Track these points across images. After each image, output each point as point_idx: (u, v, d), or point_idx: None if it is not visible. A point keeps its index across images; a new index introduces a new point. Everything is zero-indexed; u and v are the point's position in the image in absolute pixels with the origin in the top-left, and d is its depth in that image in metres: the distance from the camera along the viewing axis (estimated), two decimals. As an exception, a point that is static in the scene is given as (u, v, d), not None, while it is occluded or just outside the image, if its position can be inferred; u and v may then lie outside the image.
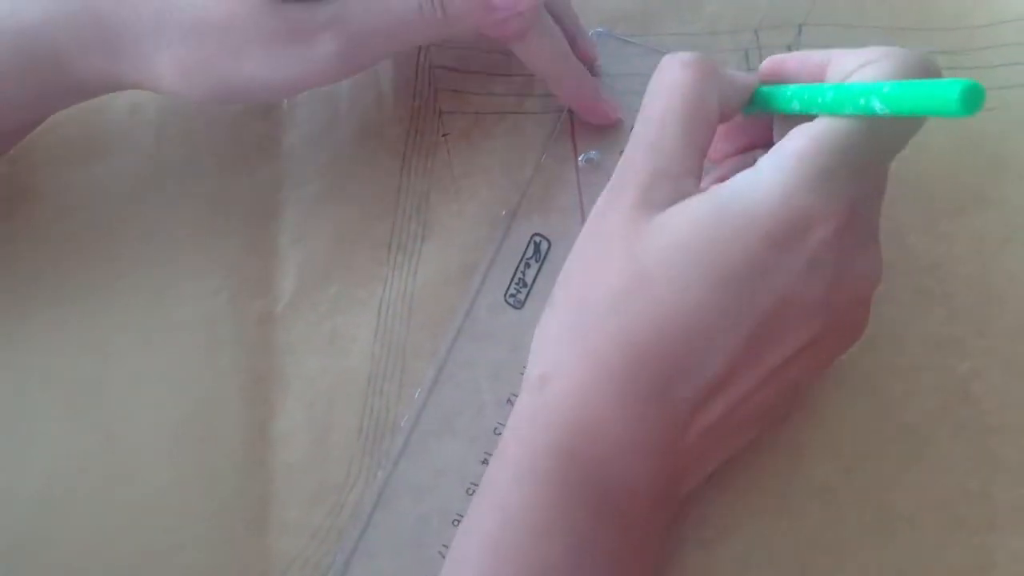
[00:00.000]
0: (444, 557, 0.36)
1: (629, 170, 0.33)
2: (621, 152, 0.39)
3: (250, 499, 0.38)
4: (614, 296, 0.32)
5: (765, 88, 0.35)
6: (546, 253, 0.39)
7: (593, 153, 0.40)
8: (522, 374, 0.37)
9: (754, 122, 0.36)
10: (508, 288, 0.39)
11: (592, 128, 0.41)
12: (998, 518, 0.35)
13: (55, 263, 0.41)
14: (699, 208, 0.31)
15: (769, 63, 0.35)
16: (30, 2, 0.36)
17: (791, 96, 0.32)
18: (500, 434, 0.37)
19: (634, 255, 0.32)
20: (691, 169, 0.33)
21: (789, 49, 0.42)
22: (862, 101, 0.29)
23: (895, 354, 0.38)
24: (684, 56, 0.34)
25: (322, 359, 0.39)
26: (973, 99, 0.25)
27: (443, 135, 0.42)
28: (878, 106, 0.28)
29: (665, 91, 0.33)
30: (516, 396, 0.37)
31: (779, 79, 0.35)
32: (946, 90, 0.26)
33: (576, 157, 0.41)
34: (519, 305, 0.39)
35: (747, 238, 0.30)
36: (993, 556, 0.35)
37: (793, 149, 0.30)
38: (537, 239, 0.39)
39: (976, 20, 0.42)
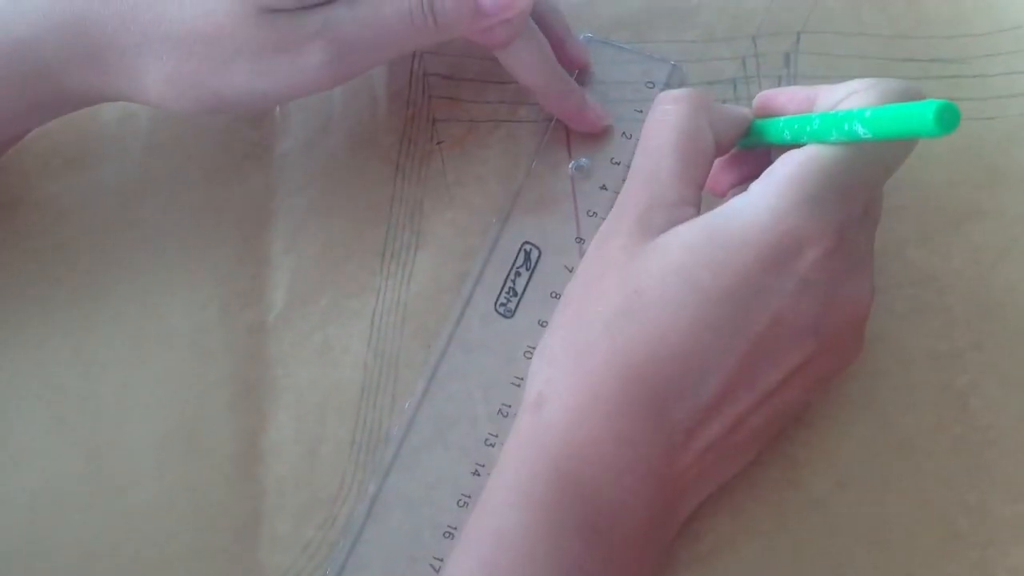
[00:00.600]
0: (435, 570, 0.35)
1: (628, 200, 0.34)
2: (612, 160, 0.40)
3: (240, 512, 0.37)
4: (609, 317, 0.32)
5: (758, 121, 0.36)
6: (536, 262, 0.39)
7: (584, 160, 0.40)
8: (514, 384, 0.37)
9: (755, 154, 0.37)
10: (498, 297, 0.39)
11: (584, 135, 0.40)
12: (996, 532, 0.35)
13: (45, 271, 0.41)
14: (692, 231, 0.32)
15: (761, 97, 0.37)
16: (20, 16, 0.36)
17: (782, 127, 0.34)
18: (492, 445, 0.37)
19: (629, 277, 0.32)
20: (687, 198, 0.34)
21: (787, 57, 0.42)
22: (846, 126, 0.30)
23: (892, 367, 0.37)
24: (677, 92, 0.36)
25: (314, 370, 0.39)
26: (948, 118, 0.26)
27: (437, 143, 0.42)
28: (860, 130, 0.29)
29: (660, 125, 0.35)
30: (508, 406, 0.37)
31: (771, 112, 0.36)
32: (922, 111, 0.27)
33: (568, 164, 0.40)
34: (509, 314, 0.38)
35: (738, 259, 0.31)
36: (992, 570, 0.35)
37: (781, 173, 0.31)
38: (527, 247, 0.39)
39: (975, 28, 0.41)
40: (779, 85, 0.41)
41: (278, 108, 0.43)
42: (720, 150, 0.35)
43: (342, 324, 0.39)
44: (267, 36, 0.34)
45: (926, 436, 0.36)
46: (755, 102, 0.37)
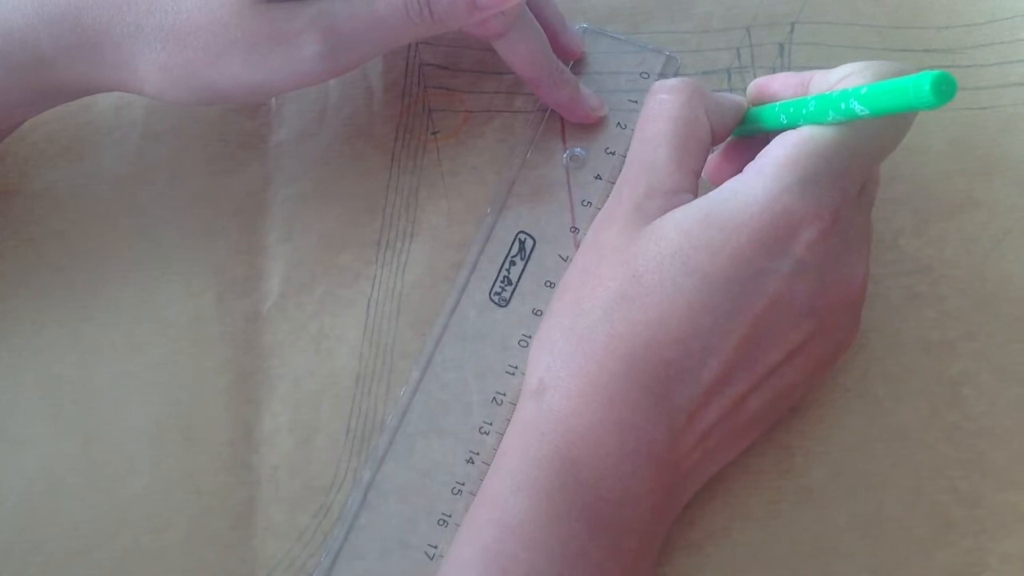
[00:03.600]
0: (430, 557, 0.35)
1: (625, 187, 0.35)
2: (606, 149, 0.40)
3: (235, 501, 0.37)
4: (607, 303, 0.32)
5: (753, 108, 0.36)
6: (531, 251, 0.39)
7: (578, 150, 0.40)
8: (508, 373, 0.37)
9: (753, 142, 0.37)
10: (493, 286, 0.39)
11: (579, 125, 0.40)
12: (989, 520, 0.35)
13: (41, 260, 0.41)
14: (688, 214, 0.32)
15: (754, 85, 0.37)
16: (14, 7, 0.36)
17: (778, 112, 0.34)
18: (486, 433, 0.37)
19: (626, 262, 0.32)
20: (684, 186, 0.34)
21: (781, 47, 0.42)
22: (842, 105, 0.30)
23: (886, 356, 0.37)
24: (672, 81, 0.36)
25: (309, 359, 0.39)
26: (945, 88, 0.26)
27: (432, 133, 0.42)
28: (857, 108, 0.29)
29: (655, 114, 0.35)
30: (502, 395, 0.37)
31: (765, 99, 0.36)
32: (918, 82, 0.27)
33: (563, 154, 0.40)
34: (504, 303, 0.38)
35: (734, 241, 0.31)
36: (984, 558, 0.35)
37: (775, 155, 0.31)
38: (522, 236, 0.39)
39: (971, 18, 0.41)
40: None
41: (274, 98, 0.43)
42: (716, 138, 0.36)
43: (337, 313, 0.39)
44: (261, 27, 0.34)
45: (919, 425, 0.36)
46: (749, 90, 0.37)
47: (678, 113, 0.34)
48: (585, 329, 0.33)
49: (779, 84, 0.36)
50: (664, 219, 0.33)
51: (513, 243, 0.39)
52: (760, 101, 0.36)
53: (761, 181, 0.31)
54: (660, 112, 0.35)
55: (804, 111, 0.32)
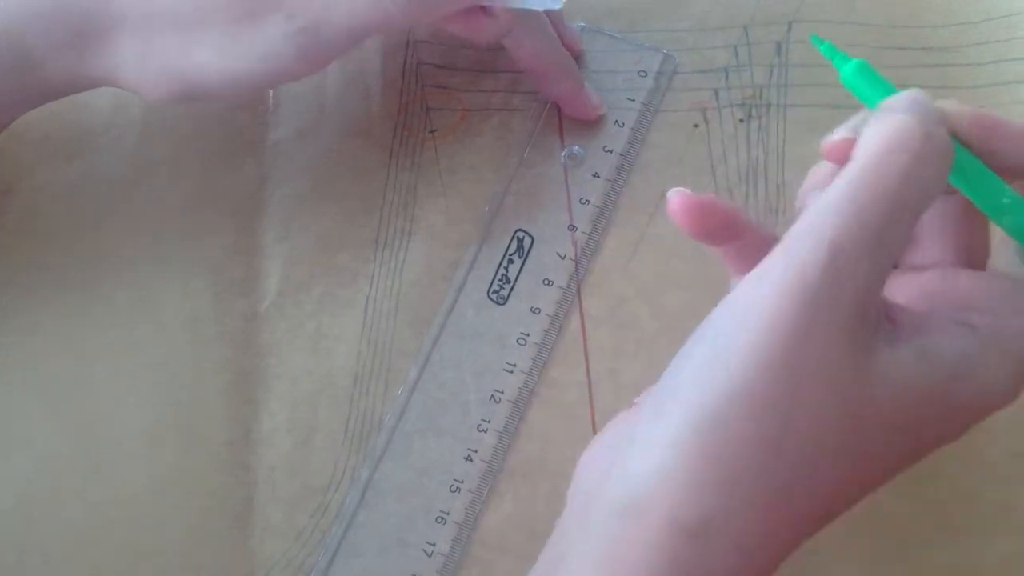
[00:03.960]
0: (428, 555, 0.36)
1: (845, 267, 0.26)
2: (604, 148, 0.40)
3: (233, 501, 0.37)
4: (822, 452, 0.26)
5: (971, 160, 0.28)
6: (529, 249, 0.39)
7: (576, 148, 0.40)
8: (506, 371, 0.37)
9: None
10: (491, 285, 0.39)
11: (578, 122, 0.41)
12: (987, 519, 0.35)
13: (37, 260, 0.41)
14: (930, 389, 0.27)
15: (976, 122, 0.29)
16: (2, 8, 0.36)
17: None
18: (484, 431, 0.37)
19: (850, 413, 0.26)
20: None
21: (779, 46, 0.42)
22: None
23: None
24: (936, 135, 0.27)
25: (307, 359, 0.39)
26: None
27: (430, 132, 0.42)
28: None
29: (902, 171, 0.26)
30: (500, 393, 0.37)
31: (987, 144, 0.29)
32: None
33: (561, 152, 0.40)
34: (502, 301, 0.38)
35: (960, 422, 0.29)
36: (983, 557, 0.35)
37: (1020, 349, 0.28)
38: (520, 235, 0.39)
39: (967, 16, 0.41)
40: (771, 75, 0.41)
41: (271, 97, 0.43)
42: None
43: (335, 313, 0.39)
44: (230, 6, 0.35)
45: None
46: (969, 119, 0.29)
47: (929, 179, 0.27)
48: (785, 482, 0.26)
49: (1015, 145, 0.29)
50: (900, 382, 0.27)
51: (511, 241, 0.39)
52: (972, 141, 0.29)
53: (1008, 367, 0.28)
54: (910, 170, 0.26)
55: None
